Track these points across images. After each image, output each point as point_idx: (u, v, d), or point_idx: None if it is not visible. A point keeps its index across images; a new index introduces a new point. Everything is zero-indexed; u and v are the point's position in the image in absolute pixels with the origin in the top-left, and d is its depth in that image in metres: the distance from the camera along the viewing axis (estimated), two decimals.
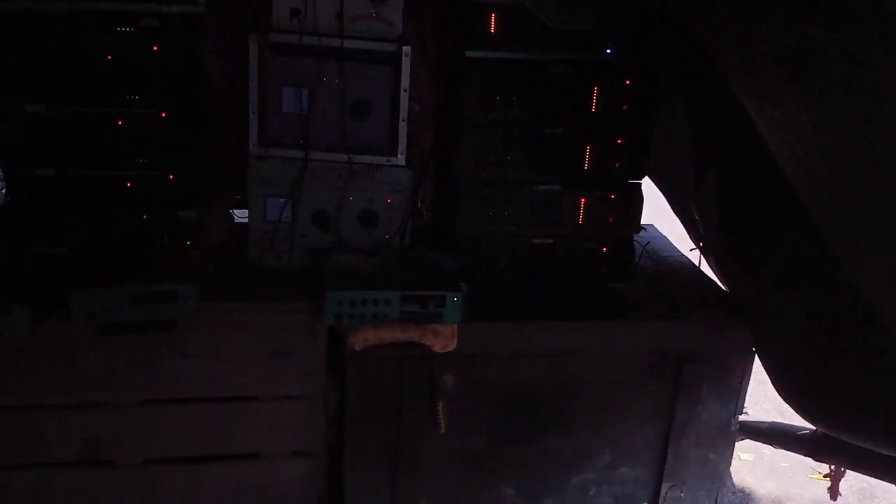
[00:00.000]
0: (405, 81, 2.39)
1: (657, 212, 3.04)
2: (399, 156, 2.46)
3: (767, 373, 2.41)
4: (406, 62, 2.37)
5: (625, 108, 2.41)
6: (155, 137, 2.32)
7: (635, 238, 2.59)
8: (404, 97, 2.40)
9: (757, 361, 2.47)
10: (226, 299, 2.28)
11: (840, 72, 1.32)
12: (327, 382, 2.34)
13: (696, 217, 2.71)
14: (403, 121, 2.42)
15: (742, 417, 2.62)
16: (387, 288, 2.19)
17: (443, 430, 2.32)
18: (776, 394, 2.41)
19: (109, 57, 2.25)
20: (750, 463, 3.51)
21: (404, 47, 2.36)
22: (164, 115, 2.31)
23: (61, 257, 2.30)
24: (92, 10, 2.20)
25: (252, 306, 2.29)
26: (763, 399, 3.68)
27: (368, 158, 2.45)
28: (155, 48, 2.26)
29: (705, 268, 2.81)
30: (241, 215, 2.84)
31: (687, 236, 2.93)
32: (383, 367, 2.29)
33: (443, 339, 2.23)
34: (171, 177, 2.36)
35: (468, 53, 2.33)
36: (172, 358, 2.24)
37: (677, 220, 2.96)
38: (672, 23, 2.30)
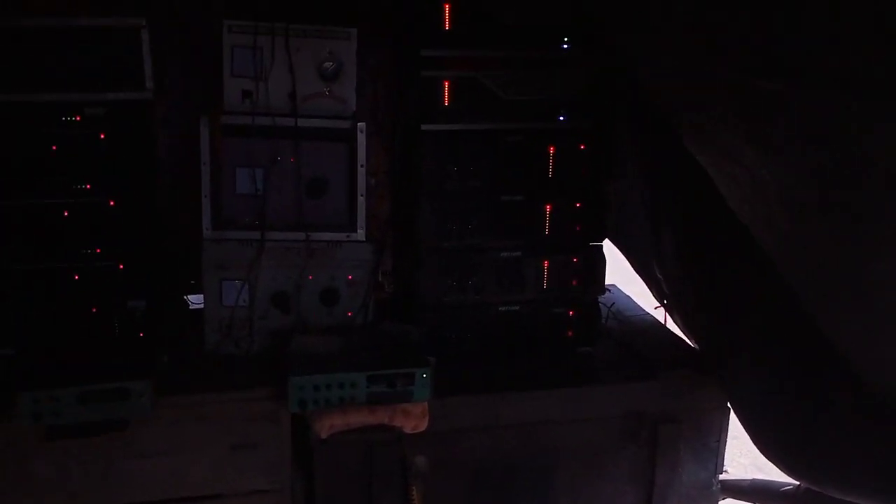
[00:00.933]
0: (362, 157, 2.37)
1: (617, 271, 3.04)
2: (359, 231, 2.42)
3: (745, 428, 2.37)
4: (362, 139, 2.36)
5: (581, 171, 2.43)
6: (103, 226, 2.25)
7: (600, 299, 2.58)
8: (361, 173, 2.38)
9: (731, 417, 2.44)
10: (183, 392, 2.18)
11: (796, 123, 1.34)
12: (294, 473, 2.23)
13: (658, 275, 2.71)
14: (362, 196, 2.40)
15: (722, 476, 2.57)
16: (352, 369, 2.11)
17: None
18: (752, 448, 2.37)
19: (54, 147, 2.19)
20: None
21: (359, 124, 2.36)
22: (112, 203, 2.24)
23: (6, 357, 2.18)
24: (35, 100, 2.16)
25: (211, 397, 2.19)
26: (739, 454, 3.63)
27: (327, 235, 2.40)
28: (101, 135, 2.21)
29: (671, 325, 2.81)
30: (195, 301, 2.75)
31: (650, 294, 2.93)
32: (352, 454, 2.20)
33: (413, 420, 2.15)
34: (120, 266, 2.28)
35: (423, 126, 2.33)
36: (128, 458, 2.12)
37: (637, 277, 2.97)
38: (623, 84, 2.35)
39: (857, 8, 1.09)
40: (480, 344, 2.49)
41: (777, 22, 1.22)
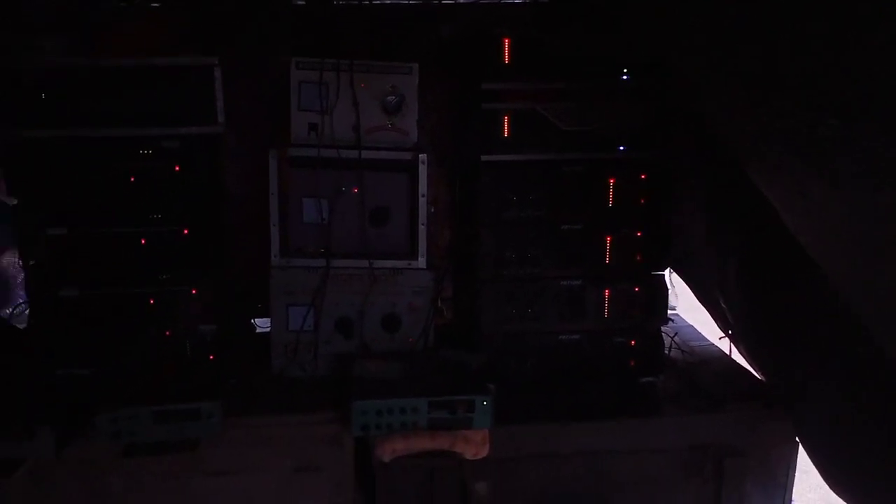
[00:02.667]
0: (423, 188, 2.43)
1: (681, 300, 3.01)
2: (420, 258, 2.47)
3: (814, 463, 2.30)
4: (423, 170, 2.41)
5: (642, 201, 2.43)
6: (177, 254, 2.35)
7: (663, 329, 2.55)
8: (422, 202, 2.44)
9: (800, 451, 2.37)
10: (250, 413, 2.24)
11: (865, 161, 1.32)
12: (356, 496, 2.26)
13: (723, 305, 2.67)
14: (423, 224, 2.45)
15: None
16: (413, 394, 2.14)
17: None
18: (822, 483, 2.29)
19: (132, 178, 2.31)
20: None
21: (420, 155, 2.42)
22: (186, 231, 2.35)
23: (85, 377, 2.28)
24: (115, 135, 2.28)
25: (277, 420, 2.25)
26: (807, 489, 3.50)
27: (389, 263, 2.46)
28: (176, 167, 2.32)
29: (737, 356, 2.75)
30: (262, 325, 2.83)
31: (713, 323, 2.88)
32: (413, 478, 2.22)
33: (474, 446, 2.16)
34: (193, 291, 2.37)
35: (483, 157, 2.37)
36: (198, 477, 2.19)
37: (700, 306, 2.92)
38: (684, 114, 2.34)
39: None
40: (540, 372, 2.49)
41: (845, 60, 1.22)
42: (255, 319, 2.87)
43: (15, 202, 2.35)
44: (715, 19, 1.57)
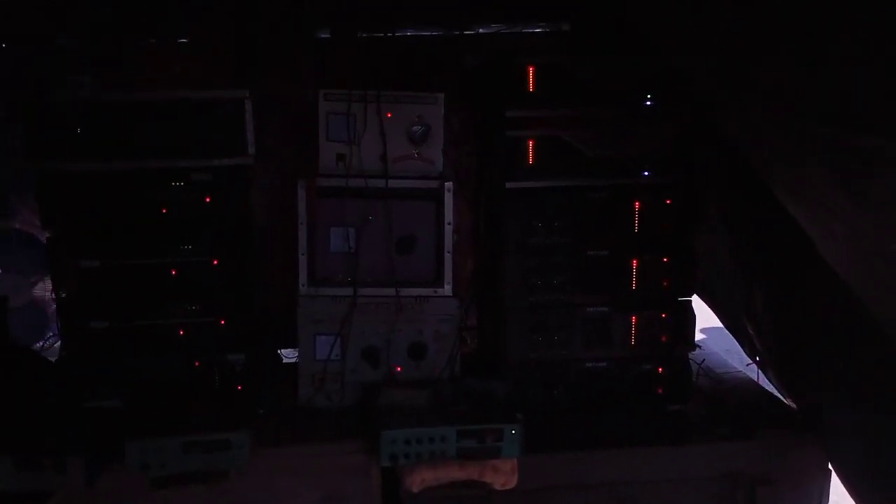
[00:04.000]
0: (449, 215, 2.44)
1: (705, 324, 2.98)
2: (446, 286, 2.48)
3: (848, 491, 2.26)
4: (449, 197, 2.43)
5: (667, 226, 2.43)
6: (207, 284, 2.38)
7: (690, 356, 2.53)
8: (448, 230, 2.45)
9: (833, 478, 2.33)
10: (278, 444, 2.24)
11: (893, 180, 1.32)
12: None
13: (750, 331, 2.64)
14: (448, 252, 2.46)
15: None
16: (441, 423, 2.13)
17: None
18: None
19: (164, 210, 2.35)
20: None
21: (446, 183, 2.44)
22: (215, 262, 2.38)
23: (115, 408, 2.30)
24: (148, 167, 2.33)
25: (304, 449, 2.25)
26: None
27: (416, 291, 2.47)
28: (207, 199, 2.36)
29: (764, 383, 2.72)
30: (287, 356, 2.84)
31: (740, 350, 2.85)
32: None
33: (503, 476, 2.14)
34: (221, 322, 2.40)
35: (508, 185, 2.38)
36: None
37: (726, 333, 2.90)
38: (708, 137, 2.35)
39: None
40: (567, 401, 2.47)
41: (870, 79, 1.22)
42: (281, 350, 2.88)
43: (48, 235, 2.40)
44: (739, 39, 1.59)
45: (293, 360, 2.64)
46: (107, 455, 2.08)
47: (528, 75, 2.34)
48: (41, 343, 2.83)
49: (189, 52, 2.84)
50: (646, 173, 2.40)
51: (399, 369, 2.48)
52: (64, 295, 2.36)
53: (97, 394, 2.31)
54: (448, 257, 2.47)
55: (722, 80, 1.80)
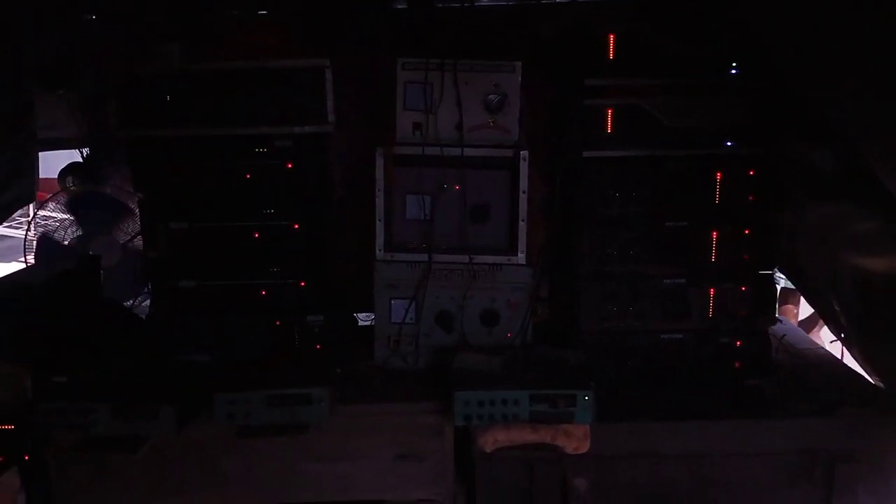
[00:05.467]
0: (524, 184, 2.45)
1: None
2: (519, 255, 2.49)
3: None
4: (524, 166, 2.44)
5: (750, 197, 2.37)
6: (288, 248, 2.46)
7: (770, 330, 2.47)
8: (523, 199, 2.46)
9: None
10: (355, 402, 2.31)
11: None
12: (455, 486, 2.30)
13: (835, 307, 2.56)
14: (523, 221, 2.47)
15: None
16: (515, 387, 2.16)
17: None
18: None
19: (248, 175, 2.43)
20: None
21: (522, 152, 2.44)
22: (296, 226, 2.45)
23: (202, 363, 2.41)
24: (232, 134, 2.42)
25: (380, 408, 2.31)
26: None
27: (489, 258, 2.49)
28: (289, 165, 2.43)
29: (849, 360, 2.63)
30: (362, 318, 2.92)
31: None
32: (513, 470, 2.24)
33: (575, 441, 2.16)
34: (302, 284, 2.48)
35: (585, 154, 2.37)
36: (305, 461, 2.27)
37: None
38: (794, 108, 2.27)
39: None
40: (641, 372, 2.46)
41: None
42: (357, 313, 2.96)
43: (139, 199, 2.53)
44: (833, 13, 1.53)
45: (367, 322, 2.70)
46: (195, 406, 2.20)
47: (609, 43, 2.31)
48: (131, 302, 2.99)
49: (268, 24, 2.92)
50: (728, 143, 2.35)
51: (471, 335, 2.51)
52: (155, 255, 2.48)
53: (186, 349, 2.43)
54: (522, 226, 2.47)
55: (813, 52, 1.73)
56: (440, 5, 2.92)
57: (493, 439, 2.16)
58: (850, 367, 2.61)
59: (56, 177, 3.25)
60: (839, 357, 2.65)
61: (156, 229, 2.49)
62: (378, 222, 2.48)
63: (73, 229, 3.12)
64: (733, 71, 2.32)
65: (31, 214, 3.36)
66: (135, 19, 2.90)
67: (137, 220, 3.02)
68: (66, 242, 3.11)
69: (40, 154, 2.82)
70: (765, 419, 2.32)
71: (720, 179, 2.37)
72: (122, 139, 2.46)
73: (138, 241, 2.97)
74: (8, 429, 2.17)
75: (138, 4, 2.86)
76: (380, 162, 2.45)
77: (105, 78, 2.63)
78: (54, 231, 3.17)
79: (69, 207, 3.14)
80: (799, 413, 2.32)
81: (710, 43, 2.33)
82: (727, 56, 2.33)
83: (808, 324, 3.81)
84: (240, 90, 2.41)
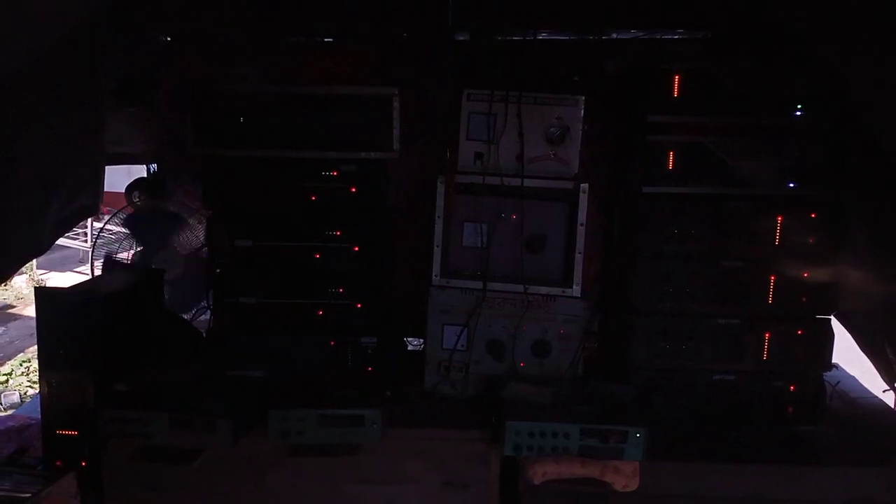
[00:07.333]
0: (582, 217, 2.47)
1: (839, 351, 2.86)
2: (575, 287, 2.50)
3: None
4: (584, 199, 2.46)
5: (811, 240, 2.36)
6: (347, 269, 2.52)
7: (825, 377, 2.44)
8: (581, 231, 2.48)
9: None
10: (402, 425, 2.34)
11: None
12: None
13: (890, 356, 2.52)
14: (580, 253, 2.49)
15: None
16: (566, 420, 2.17)
17: None
18: None
19: (313, 197, 2.50)
20: None
21: (582, 185, 2.46)
22: (356, 248, 2.51)
23: (257, 379, 2.46)
24: (301, 157, 2.49)
25: (428, 433, 2.34)
26: None
27: (544, 289, 2.51)
28: (353, 189, 2.49)
29: None
30: (413, 343, 2.95)
31: (876, 374, 2.72)
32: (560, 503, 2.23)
33: (624, 478, 2.16)
34: (358, 305, 2.53)
35: (645, 189, 2.39)
36: (352, 483, 2.30)
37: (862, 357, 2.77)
38: (860, 151, 2.26)
39: None
40: (691, 411, 2.45)
41: None
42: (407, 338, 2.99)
43: (208, 216, 2.61)
44: None
45: (415, 347, 2.73)
46: (250, 420, 2.24)
47: (673, 81, 2.34)
48: (191, 315, 3.06)
49: (334, 51, 3.00)
50: (791, 185, 2.35)
51: (522, 365, 2.53)
52: (219, 270, 2.55)
53: (243, 364, 2.48)
54: (579, 258, 2.49)
55: (885, 93, 1.73)
56: (501, 38, 2.97)
57: (542, 471, 2.16)
58: None
59: (118, 191, 3.35)
60: (892, 406, 2.60)
61: (221, 246, 2.56)
62: (436, 248, 2.52)
63: (130, 243, 3.22)
64: (798, 112, 2.32)
65: (89, 226, 3.45)
66: (211, 41, 3.01)
67: (196, 234, 3.13)
68: (122, 255, 3.21)
69: None
70: (817, 466, 2.28)
71: (781, 221, 2.36)
72: (197, 156, 2.54)
73: (199, 256, 3.05)
74: (71, 434, 2.25)
75: (216, 26, 2.97)
76: (441, 189, 2.50)
77: (179, 97, 2.73)
78: (112, 244, 3.27)
79: (126, 222, 3.24)
80: (852, 462, 2.28)
81: (776, 84, 2.34)
82: (793, 97, 2.33)
83: None
84: (310, 114, 2.48)
